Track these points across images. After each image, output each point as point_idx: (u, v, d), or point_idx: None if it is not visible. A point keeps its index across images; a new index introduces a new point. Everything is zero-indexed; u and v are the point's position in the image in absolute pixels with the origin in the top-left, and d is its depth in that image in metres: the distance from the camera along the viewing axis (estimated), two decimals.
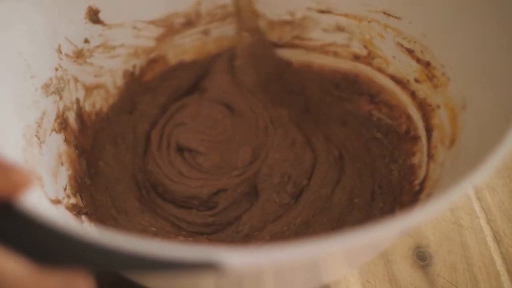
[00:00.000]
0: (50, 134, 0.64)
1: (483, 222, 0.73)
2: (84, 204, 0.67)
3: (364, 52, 0.77)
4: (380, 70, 0.76)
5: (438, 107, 0.65)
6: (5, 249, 0.34)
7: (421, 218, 0.38)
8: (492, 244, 0.71)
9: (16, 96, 0.58)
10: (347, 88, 0.81)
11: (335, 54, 0.81)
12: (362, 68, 0.79)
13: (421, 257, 0.69)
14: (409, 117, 0.72)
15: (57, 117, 0.67)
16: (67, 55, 0.69)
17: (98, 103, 0.76)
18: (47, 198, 0.56)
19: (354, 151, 0.75)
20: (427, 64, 0.67)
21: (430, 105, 0.67)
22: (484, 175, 0.41)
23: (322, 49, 0.81)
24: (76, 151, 0.70)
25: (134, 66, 0.80)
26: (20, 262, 0.34)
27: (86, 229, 0.55)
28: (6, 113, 0.54)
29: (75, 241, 0.35)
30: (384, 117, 0.77)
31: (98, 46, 0.74)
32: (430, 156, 0.66)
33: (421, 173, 0.67)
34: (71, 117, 0.70)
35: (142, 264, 0.34)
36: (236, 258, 0.33)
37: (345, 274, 0.67)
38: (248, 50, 0.83)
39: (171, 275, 0.39)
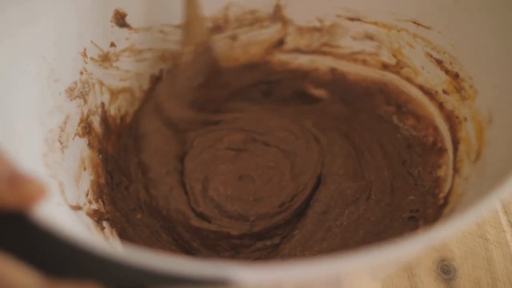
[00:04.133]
0: (73, 139, 0.64)
1: (509, 236, 0.72)
2: (106, 210, 0.67)
3: (393, 61, 0.76)
4: (408, 80, 0.75)
5: (465, 119, 0.64)
6: (17, 260, 0.34)
7: (447, 233, 0.37)
8: None
9: (38, 100, 0.58)
10: (375, 97, 0.80)
11: (364, 62, 0.80)
12: (390, 77, 0.78)
13: (445, 271, 0.68)
14: (436, 129, 0.71)
15: (81, 121, 0.67)
16: (92, 59, 0.69)
17: (123, 107, 0.76)
18: (67, 205, 0.56)
19: (377, 162, 0.74)
20: (456, 76, 0.66)
21: (457, 118, 0.66)
22: (510, 190, 0.40)
23: (351, 57, 0.81)
24: (100, 156, 0.69)
25: (161, 71, 0.79)
26: (30, 274, 0.34)
27: (99, 241, 0.55)
28: (26, 118, 0.54)
29: (86, 254, 0.34)
30: (410, 128, 0.75)
31: (124, 50, 0.74)
32: (455, 170, 0.64)
33: (446, 187, 0.66)
34: (96, 121, 0.70)
35: (155, 279, 0.34)
36: (248, 274, 0.33)
37: (369, 286, 0.66)
38: (190, 67, 0.79)
39: None
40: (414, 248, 0.38)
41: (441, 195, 0.66)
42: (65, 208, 0.55)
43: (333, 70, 0.83)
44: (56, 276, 0.35)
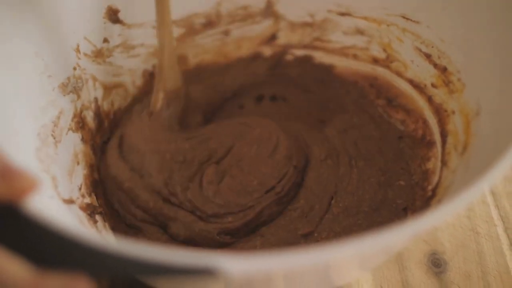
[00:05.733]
0: (66, 133, 0.65)
1: (500, 230, 0.72)
2: (99, 203, 0.67)
3: (383, 55, 0.77)
4: (398, 74, 0.76)
5: (453, 112, 0.65)
6: (8, 251, 0.35)
7: (433, 222, 0.38)
8: (508, 253, 0.70)
9: (32, 96, 0.59)
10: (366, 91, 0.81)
11: (355, 56, 0.81)
12: (380, 71, 0.79)
13: (436, 264, 0.69)
14: (425, 122, 0.72)
15: (74, 116, 0.67)
16: (85, 55, 0.69)
17: (116, 102, 0.77)
18: (59, 198, 0.56)
19: (368, 154, 0.75)
20: (444, 69, 0.67)
21: (445, 111, 0.67)
22: (493, 180, 0.40)
23: (342, 52, 0.81)
24: (92, 150, 0.70)
25: (154, 66, 0.80)
26: (21, 264, 0.35)
27: (90, 232, 0.55)
28: (19, 114, 0.55)
29: (76, 245, 0.35)
30: (400, 122, 0.76)
31: (117, 46, 0.74)
32: (443, 162, 0.65)
33: (435, 179, 0.66)
34: (89, 116, 0.71)
35: (142, 269, 0.34)
36: (233, 264, 0.34)
37: (358, 276, 0.67)
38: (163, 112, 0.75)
39: (173, 279, 0.39)
40: (400, 237, 0.38)
41: (430, 187, 0.66)
42: (58, 202, 0.55)
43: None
44: (47, 267, 0.35)
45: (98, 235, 0.62)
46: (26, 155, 0.53)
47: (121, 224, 0.68)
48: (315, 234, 0.67)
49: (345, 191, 0.70)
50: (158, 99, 0.74)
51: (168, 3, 0.69)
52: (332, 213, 0.69)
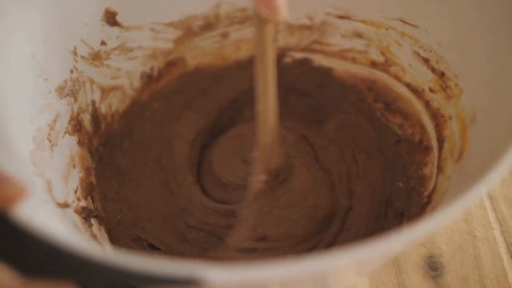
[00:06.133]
0: (63, 137, 0.65)
1: (497, 233, 0.72)
2: (95, 207, 0.67)
3: (381, 59, 0.77)
4: (396, 77, 0.76)
5: (451, 118, 0.65)
6: None
7: (431, 228, 0.38)
8: (505, 256, 0.70)
9: (28, 99, 0.58)
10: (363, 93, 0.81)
11: (353, 60, 0.80)
12: (379, 75, 0.79)
13: (433, 267, 0.69)
14: (423, 127, 0.72)
15: (71, 119, 0.67)
16: (83, 57, 0.69)
17: (114, 104, 0.76)
18: (54, 202, 0.56)
19: (368, 150, 0.75)
20: (442, 74, 0.66)
21: (443, 116, 0.67)
22: (490, 185, 0.40)
23: (341, 55, 0.81)
24: (89, 153, 0.70)
25: (152, 68, 0.80)
26: (8, 272, 0.35)
27: (79, 240, 0.55)
28: (14, 117, 0.54)
29: (65, 253, 0.35)
30: (398, 126, 0.76)
31: (115, 48, 0.74)
32: (440, 168, 0.65)
33: (431, 185, 0.66)
34: (86, 119, 0.71)
35: (128, 278, 0.34)
36: (219, 274, 0.34)
37: (355, 281, 0.67)
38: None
39: None
40: (399, 244, 0.38)
41: (426, 193, 0.66)
42: (52, 206, 0.55)
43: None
44: (35, 275, 0.35)
45: (93, 239, 0.62)
46: (20, 159, 0.53)
47: (116, 227, 0.69)
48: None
49: (356, 175, 0.73)
50: (259, 182, 0.68)
51: (273, 70, 0.60)
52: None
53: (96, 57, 0.72)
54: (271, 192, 0.69)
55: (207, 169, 0.76)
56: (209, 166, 0.76)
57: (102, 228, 0.66)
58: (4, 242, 0.36)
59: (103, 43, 0.72)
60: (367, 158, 0.74)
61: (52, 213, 0.54)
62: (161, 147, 0.78)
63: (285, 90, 0.85)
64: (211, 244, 0.68)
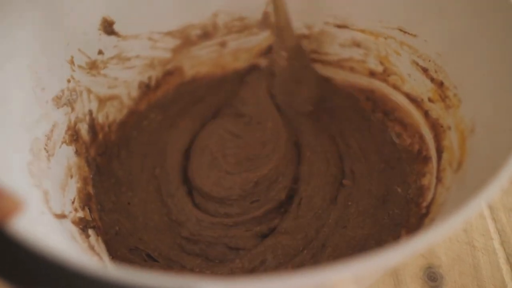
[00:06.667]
0: (60, 147, 0.64)
1: (496, 243, 0.72)
2: (92, 218, 0.67)
3: (380, 68, 0.77)
4: (395, 87, 0.75)
5: (449, 128, 0.64)
6: None
7: (432, 240, 0.37)
8: (504, 267, 0.69)
9: (25, 109, 0.58)
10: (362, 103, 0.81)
11: (352, 69, 0.80)
12: (377, 85, 0.78)
13: (432, 278, 0.69)
14: (421, 137, 0.72)
15: (68, 129, 0.67)
16: (80, 67, 0.69)
17: (111, 114, 0.76)
18: (51, 213, 0.56)
19: (367, 150, 0.75)
20: (441, 84, 0.66)
21: (442, 126, 0.66)
22: (490, 197, 0.40)
23: (339, 64, 0.81)
24: (87, 163, 0.70)
25: (149, 78, 0.80)
26: (4, 286, 0.34)
27: (74, 254, 0.55)
28: (11, 127, 0.54)
29: (60, 267, 0.35)
30: (396, 135, 0.76)
31: (112, 58, 0.74)
32: (438, 179, 0.65)
33: (429, 196, 0.66)
34: (83, 128, 0.70)
35: None
36: None
37: None
38: (286, 71, 0.81)
39: None
40: (398, 257, 0.38)
41: (424, 204, 0.66)
42: (49, 217, 0.55)
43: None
44: None
45: (91, 250, 0.61)
46: (17, 170, 0.53)
47: (114, 237, 0.68)
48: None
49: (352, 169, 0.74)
50: (282, 58, 0.79)
51: None
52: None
53: (93, 67, 0.71)
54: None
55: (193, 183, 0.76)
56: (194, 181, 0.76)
57: (100, 239, 0.66)
58: (0, 256, 0.36)
59: (100, 52, 0.72)
60: (365, 162, 0.74)
61: (49, 225, 0.54)
62: (156, 156, 0.78)
63: None
64: (210, 255, 0.68)
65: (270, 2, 0.77)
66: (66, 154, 0.66)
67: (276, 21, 0.76)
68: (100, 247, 0.65)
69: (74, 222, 0.62)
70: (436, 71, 0.67)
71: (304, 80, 0.81)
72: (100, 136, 0.74)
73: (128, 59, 0.76)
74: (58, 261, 0.35)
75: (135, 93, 0.80)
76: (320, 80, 0.83)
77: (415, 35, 0.69)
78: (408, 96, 0.74)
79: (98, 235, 0.66)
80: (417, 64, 0.70)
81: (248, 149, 0.77)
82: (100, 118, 0.74)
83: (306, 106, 0.81)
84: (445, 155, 0.65)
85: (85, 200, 0.67)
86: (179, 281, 0.33)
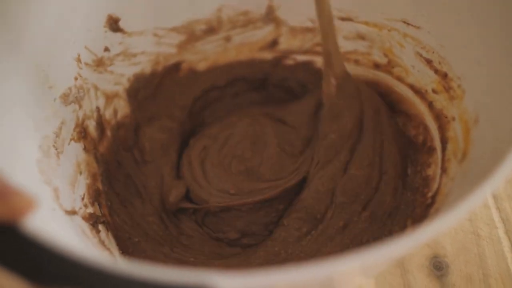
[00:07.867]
0: (68, 144, 0.65)
1: (501, 232, 0.72)
2: (102, 213, 0.67)
3: (384, 60, 0.77)
4: (399, 79, 0.75)
5: (454, 119, 0.65)
6: (5, 270, 0.35)
7: (438, 229, 0.38)
8: (509, 255, 0.70)
9: (33, 107, 0.59)
10: None
11: (356, 62, 0.80)
12: (382, 77, 0.78)
13: (438, 267, 0.69)
14: (426, 128, 0.72)
15: (76, 126, 0.67)
16: (86, 64, 0.70)
17: (119, 110, 0.77)
18: (61, 210, 0.56)
19: (369, 160, 0.74)
20: (444, 75, 0.66)
21: (446, 117, 0.67)
22: (494, 186, 0.41)
23: (344, 57, 0.81)
24: (95, 159, 0.70)
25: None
26: (19, 283, 0.35)
27: (87, 250, 0.55)
28: (20, 126, 0.55)
29: (74, 263, 0.35)
30: (401, 127, 0.76)
31: (118, 54, 0.74)
32: (443, 169, 0.65)
33: (434, 186, 0.66)
34: (91, 125, 0.71)
35: (136, 287, 0.34)
36: (227, 282, 0.34)
37: (361, 283, 0.67)
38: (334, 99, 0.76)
39: None
40: (405, 247, 0.38)
41: (429, 194, 0.66)
42: (60, 214, 0.55)
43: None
44: (45, 286, 0.35)
45: (101, 245, 0.62)
46: (27, 168, 0.53)
47: (124, 232, 0.69)
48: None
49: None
50: (331, 85, 0.75)
51: None
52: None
53: (99, 64, 0.72)
54: None
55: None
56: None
57: (110, 234, 0.67)
58: (15, 254, 0.36)
59: (106, 49, 0.73)
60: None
61: (60, 221, 0.54)
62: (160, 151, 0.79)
63: (287, 93, 0.85)
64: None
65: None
66: (75, 151, 0.67)
67: (324, 47, 0.74)
68: (111, 242, 0.66)
69: (84, 218, 0.62)
70: (440, 63, 0.67)
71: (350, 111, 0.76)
72: (108, 132, 0.74)
73: (134, 55, 0.76)
74: (71, 257, 0.35)
75: None
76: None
77: (418, 27, 0.69)
78: (412, 87, 0.74)
79: (108, 230, 0.67)
80: (421, 55, 0.70)
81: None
82: (108, 115, 0.75)
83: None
84: (449, 146, 0.65)
85: (95, 196, 0.68)
86: (192, 275, 0.34)
